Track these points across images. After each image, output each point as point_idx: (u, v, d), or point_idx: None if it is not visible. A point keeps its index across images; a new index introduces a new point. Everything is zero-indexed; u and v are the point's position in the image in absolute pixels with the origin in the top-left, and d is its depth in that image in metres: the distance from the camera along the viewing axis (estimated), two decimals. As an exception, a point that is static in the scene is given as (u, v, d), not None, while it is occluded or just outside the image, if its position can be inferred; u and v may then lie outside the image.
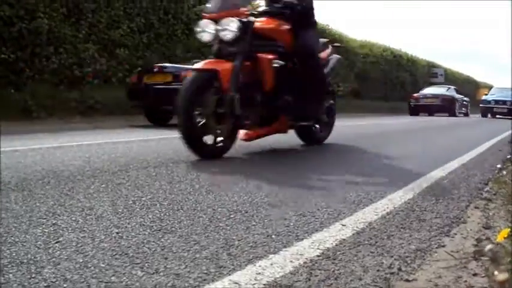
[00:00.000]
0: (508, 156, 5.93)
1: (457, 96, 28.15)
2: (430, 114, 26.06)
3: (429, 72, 36.93)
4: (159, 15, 13.68)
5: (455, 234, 2.69)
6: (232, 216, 2.78)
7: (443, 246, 2.46)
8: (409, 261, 2.20)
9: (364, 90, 26.80)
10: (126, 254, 2.10)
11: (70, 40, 11.43)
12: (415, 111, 26.71)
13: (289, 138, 6.53)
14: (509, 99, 26.57)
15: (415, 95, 27.80)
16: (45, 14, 10.79)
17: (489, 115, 27.28)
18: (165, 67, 10.56)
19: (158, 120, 10.89)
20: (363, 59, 26.49)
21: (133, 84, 10.78)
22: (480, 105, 28.51)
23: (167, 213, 2.76)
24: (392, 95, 30.39)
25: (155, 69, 10.47)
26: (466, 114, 28.86)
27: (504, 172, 4.68)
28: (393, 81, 30.38)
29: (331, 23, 34.02)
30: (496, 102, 27.30)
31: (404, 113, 26.05)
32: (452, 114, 26.36)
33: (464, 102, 29.40)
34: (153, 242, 2.27)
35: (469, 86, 42.33)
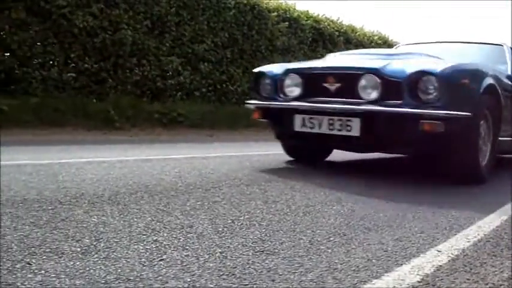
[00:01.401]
0: None
1: None
2: None
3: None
4: (243, 30, 13.71)
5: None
6: (331, 238, 2.74)
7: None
8: (502, 290, 2.17)
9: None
10: (233, 274, 2.07)
11: (153, 52, 11.58)
12: None
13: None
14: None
15: None
16: (128, 26, 10.95)
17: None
18: None
19: None
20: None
21: None
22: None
23: (267, 234, 2.72)
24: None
25: None
26: None
27: None
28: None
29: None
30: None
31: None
32: None
33: None
34: (258, 263, 2.23)
35: None
